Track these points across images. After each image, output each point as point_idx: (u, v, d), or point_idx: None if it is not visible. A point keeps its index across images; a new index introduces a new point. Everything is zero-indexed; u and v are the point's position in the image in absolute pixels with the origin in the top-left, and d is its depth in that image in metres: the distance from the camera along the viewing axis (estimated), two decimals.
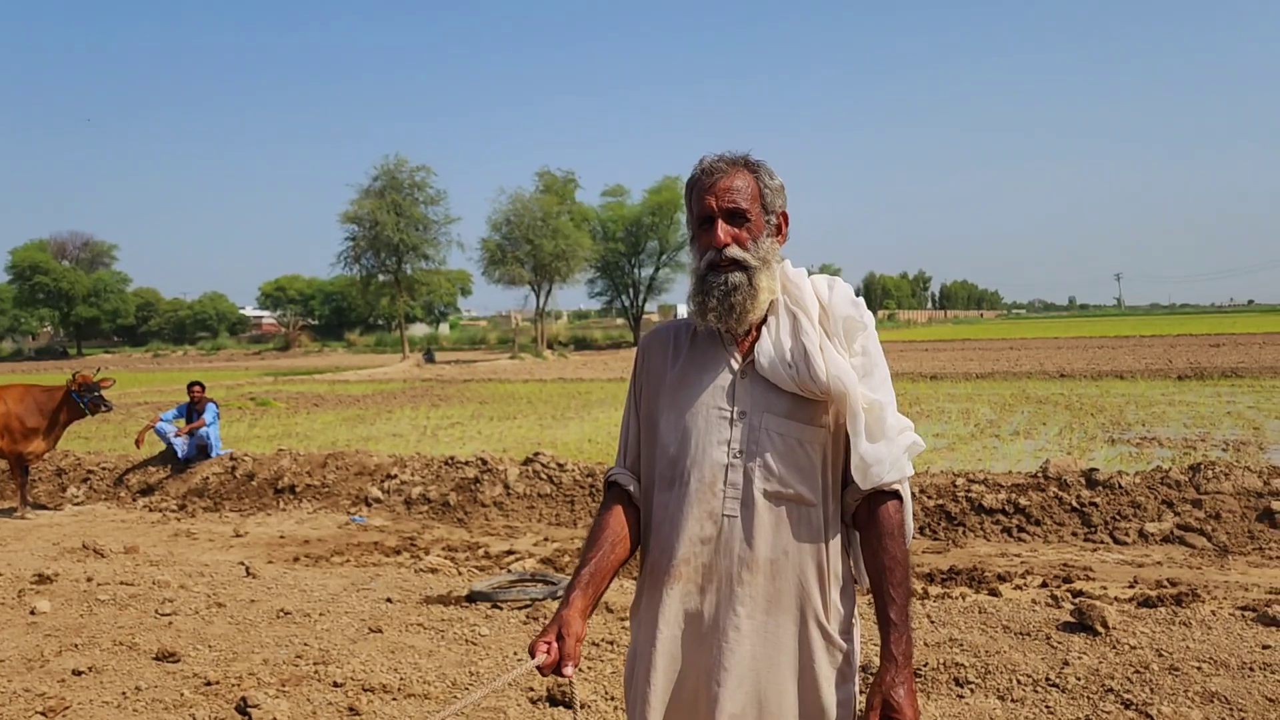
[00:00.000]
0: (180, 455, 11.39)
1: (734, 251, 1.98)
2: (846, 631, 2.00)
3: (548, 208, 52.81)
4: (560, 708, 4.29)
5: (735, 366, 2.03)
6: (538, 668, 1.92)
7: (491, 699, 4.37)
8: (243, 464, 11.04)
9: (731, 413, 1.99)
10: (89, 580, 6.68)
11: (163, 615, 5.74)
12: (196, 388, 11.80)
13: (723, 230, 1.99)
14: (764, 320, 2.04)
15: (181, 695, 4.47)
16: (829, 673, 1.96)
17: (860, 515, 2.01)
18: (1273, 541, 7.22)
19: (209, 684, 4.60)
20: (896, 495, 1.98)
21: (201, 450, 11.49)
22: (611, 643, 5.09)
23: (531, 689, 4.47)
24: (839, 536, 2.02)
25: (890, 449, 1.95)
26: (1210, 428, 13.80)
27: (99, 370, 11.35)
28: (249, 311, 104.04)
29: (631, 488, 2.10)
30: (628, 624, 5.40)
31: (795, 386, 1.96)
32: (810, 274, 2.11)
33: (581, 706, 4.27)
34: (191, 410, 11.64)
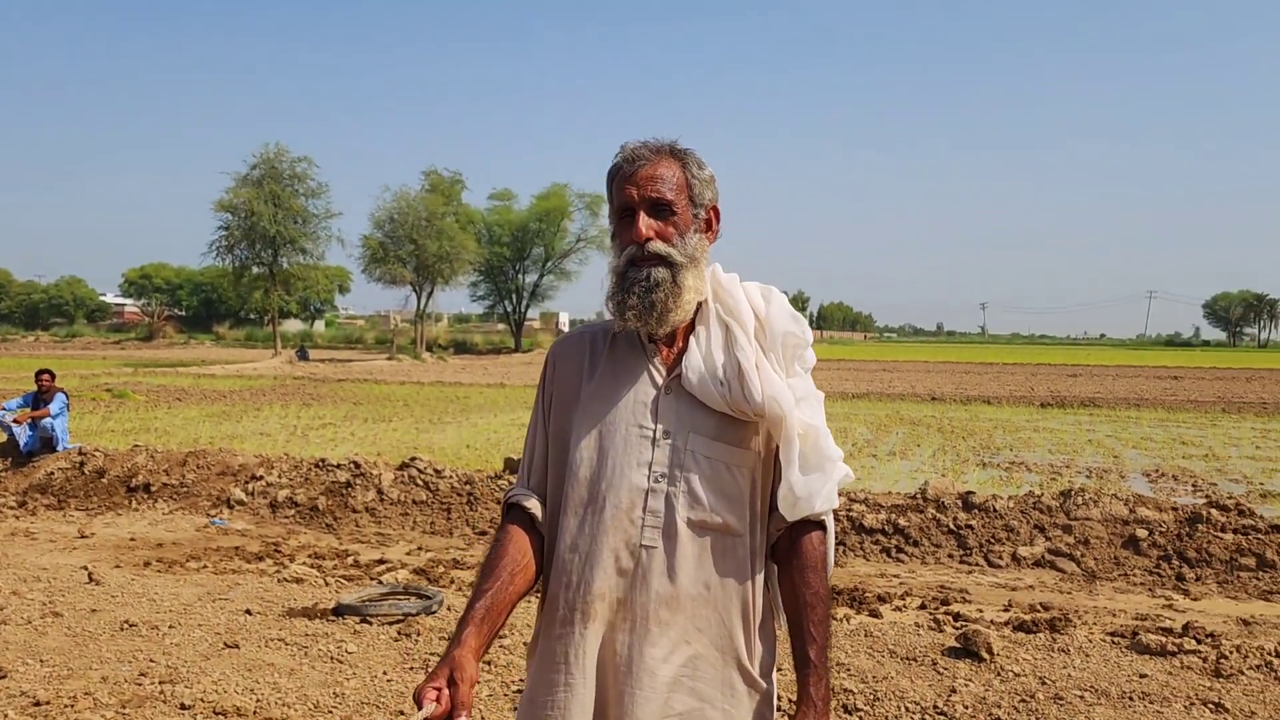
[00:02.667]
0: (22, 448, 10.55)
1: (656, 246, 1.76)
2: (767, 673, 1.82)
3: (433, 208, 51.90)
4: None
5: (659, 381, 1.81)
6: (429, 719, 1.66)
7: None
8: (93, 459, 10.29)
9: (654, 432, 1.77)
10: None
11: None
12: (45, 376, 10.97)
13: (644, 223, 1.76)
14: (691, 330, 1.84)
15: (5, 716, 4.01)
16: (748, 718, 1.78)
17: (781, 546, 1.82)
18: (1137, 568, 7.45)
19: (38, 704, 4.14)
20: (821, 525, 1.81)
21: (46, 443, 10.67)
22: (489, 663, 4.83)
23: (401, 713, 4.18)
24: (763, 570, 1.83)
25: (824, 480, 1.76)
26: (1073, 454, 14.34)
27: None
28: (110, 298, 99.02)
29: (536, 511, 1.85)
30: (509, 642, 5.15)
31: (726, 406, 1.76)
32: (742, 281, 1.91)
33: None
34: (38, 400, 10.81)
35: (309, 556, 7.69)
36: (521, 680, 4.55)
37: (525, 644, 5.11)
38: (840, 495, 8.21)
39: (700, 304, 1.84)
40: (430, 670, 1.68)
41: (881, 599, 6.59)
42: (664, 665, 1.73)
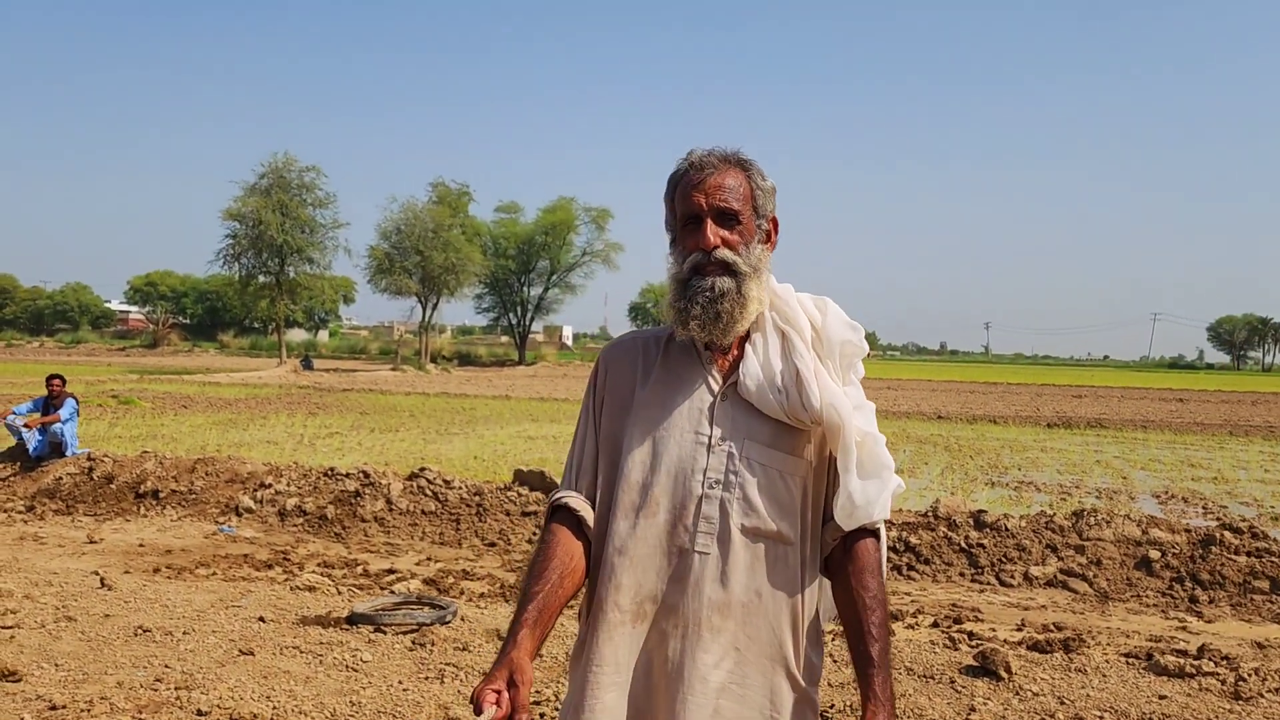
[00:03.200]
0: (31, 452, 10.56)
1: (724, 254, 1.76)
2: (814, 683, 1.81)
3: (440, 219, 52.02)
4: None
5: (715, 387, 1.81)
6: None
7: None
8: (101, 465, 10.29)
9: (710, 438, 1.78)
10: None
11: (3, 629, 5.18)
12: (56, 381, 10.98)
13: (712, 231, 1.77)
14: (747, 337, 1.84)
15: (22, 719, 4.00)
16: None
17: (835, 555, 1.81)
18: (1149, 589, 7.42)
19: (54, 708, 4.13)
20: (875, 534, 1.81)
21: (55, 448, 10.68)
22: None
23: None
24: (815, 580, 1.82)
25: (881, 488, 1.76)
26: (1082, 475, 14.31)
27: None
28: (115, 305, 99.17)
29: (583, 513, 1.84)
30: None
31: (783, 413, 1.76)
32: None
33: None
34: (49, 405, 10.82)
35: (318, 565, 7.67)
36: (558, 683, 4.53)
37: (567, 653, 5.10)
38: None
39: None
40: (486, 673, 1.67)
41: (894, 616, 6.56)
42: (714, 671, 1.73)
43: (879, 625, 1.74)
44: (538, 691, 4.54)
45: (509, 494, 9.35)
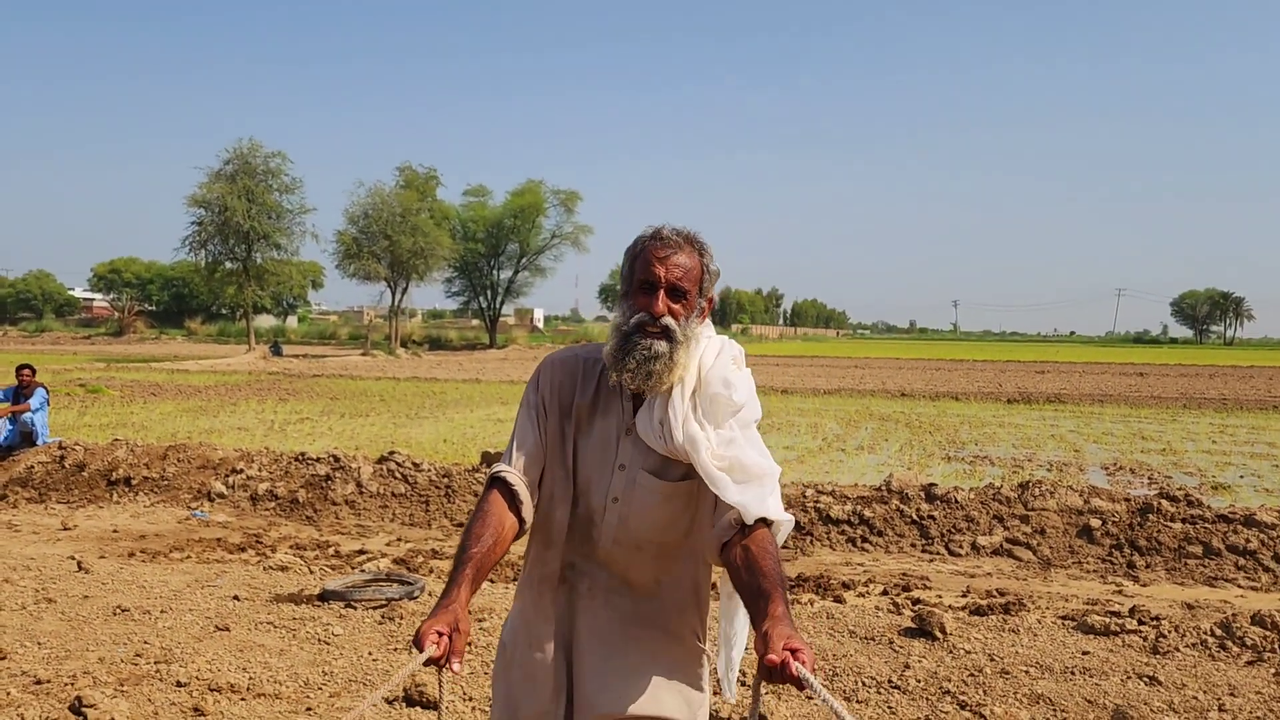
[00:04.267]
0: (2, 442, 10.66)
1: (668, 321, 2.06)
2: (703, 640, 2.24)
3: (408, 204, 51.86)
4: (417, 708, 4.25)
5: (625, 421, 2.14)
6: (429, 661, 1.89)
7: (346, 701, 4.29)
8: (73, 453, 10.42)
9: (614, 463, 2.13)
10: None
11: None
12: (26, 371, 11.07)
13: (663, 301, 2.07)
14: None
15: (8, 694, 4.21)
16: (695, 679, 2.17)
17: (733, 543, 2.04)
18: (1090, 556, 7.78)
19: (39, 683, 4.34)
20: (769, 524, 2.05)
21: (26, 438, 10.78)
22: (470, 644, 5.06)
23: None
24: (706, 570, 2.21)
25: (760, 490, 2.02)
26: (1036, 449, 14.74)
27: None
28: (79, 293, 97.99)
29: (518, 489, 2.12)
30: (484, 625, 5.39)
31: (664, 450, 2.08)
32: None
33: (436, 707, 4.24)
34: (18, 395, 10.91)
35: (291, 547, 7.89)
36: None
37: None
38: (808, 487, 8.50)
39: None
40: (428, 616, 1.93)
41: (846, 586, 6.87)
42: (624, 641, 2.13)
43: (773, 583, 1.94)
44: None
45: (477, 475, 9.58)
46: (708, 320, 2.21)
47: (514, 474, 2.13)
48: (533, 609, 2.19)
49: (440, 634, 1.88)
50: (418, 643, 1.89)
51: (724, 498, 2.03)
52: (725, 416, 2.11)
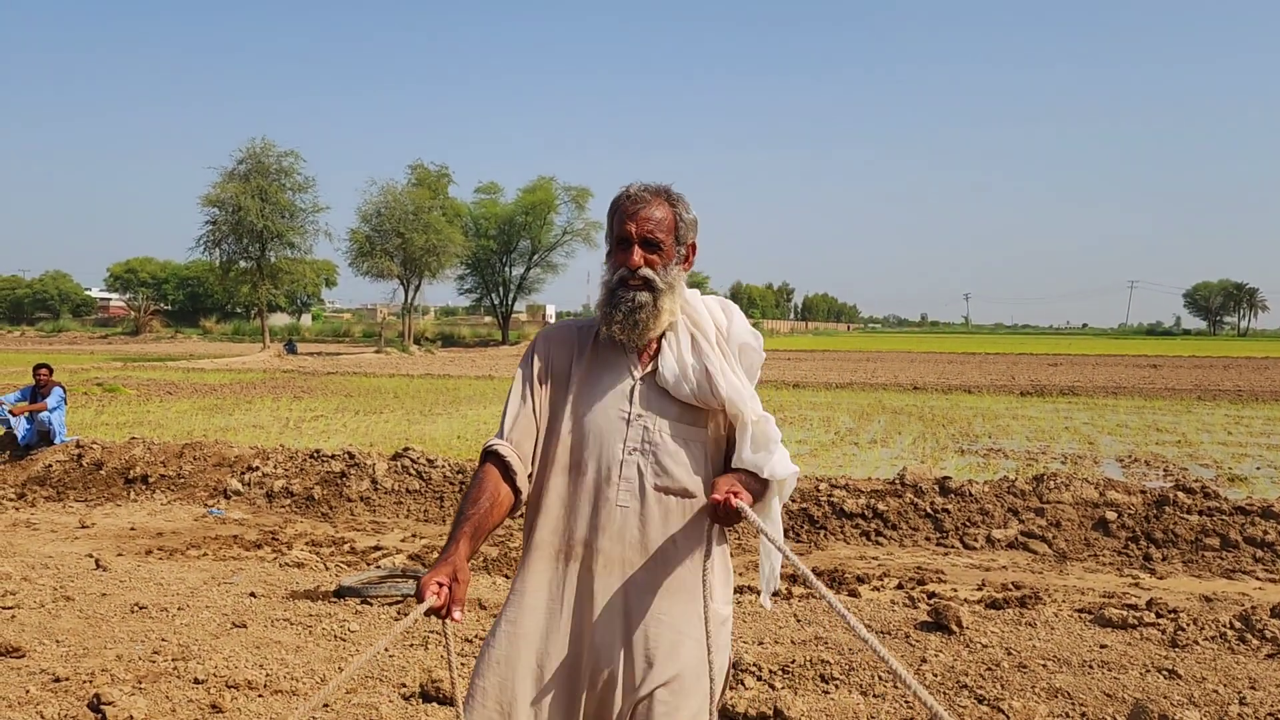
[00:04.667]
0: (20, 441, 10.73)
1: (645, 272, 2.18)
2: (727, 603, 2.25)
3: (420, 201, 51.91)
4: (434, 704, 4.26)
5: (636, 374, 2.22)
6: (430, 611, 1.95)
7: (364, 696, 4.31)
8: (90, 452, 10.48)
9: (629, 414, 2.18)
10: None
11: (4, 609, 5.41)
12: (44, 370, 11.14)
13: (638, 254, 2.18)
14: (664, 335, 2.23)
15: (27, 692, 4.24)
16: (701, 640, 2.16)
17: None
18: (1106, 549, 7.75)
19: (58, 680, 4.37)
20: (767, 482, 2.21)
21: (44, 436, 10.85)
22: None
23: (404, 685, 4.42)
24: (718, 526, 2.21)
25: (768, 456, 2.18)
26: (1050, 441, 14.67)
27: None
28: (95, 293, 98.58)
29: (511, 460, 2.18)
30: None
31: (693, 398, 2.17)
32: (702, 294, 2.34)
33: (454, 702, 4.25)
34: (36, 394, 10.99)
35: (306, 544, 7.92)
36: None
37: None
38: (821, 481, 8.51)
39: None
40: (431, 566, 2.00)
41: (860, 580, 6.86)
42: (636, 603, 2.12)
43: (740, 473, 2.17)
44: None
45: None
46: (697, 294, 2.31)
47: (505, 446, 2.20)
48: (537, 586, 2.17)
49: (440, 584, 1.98)
50: (418, 594, 1.95)
51: (738, 450, 2.18)
52: (756, 371, 2.27)
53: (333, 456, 9.93)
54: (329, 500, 9.31)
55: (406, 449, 10.05)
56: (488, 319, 76.72)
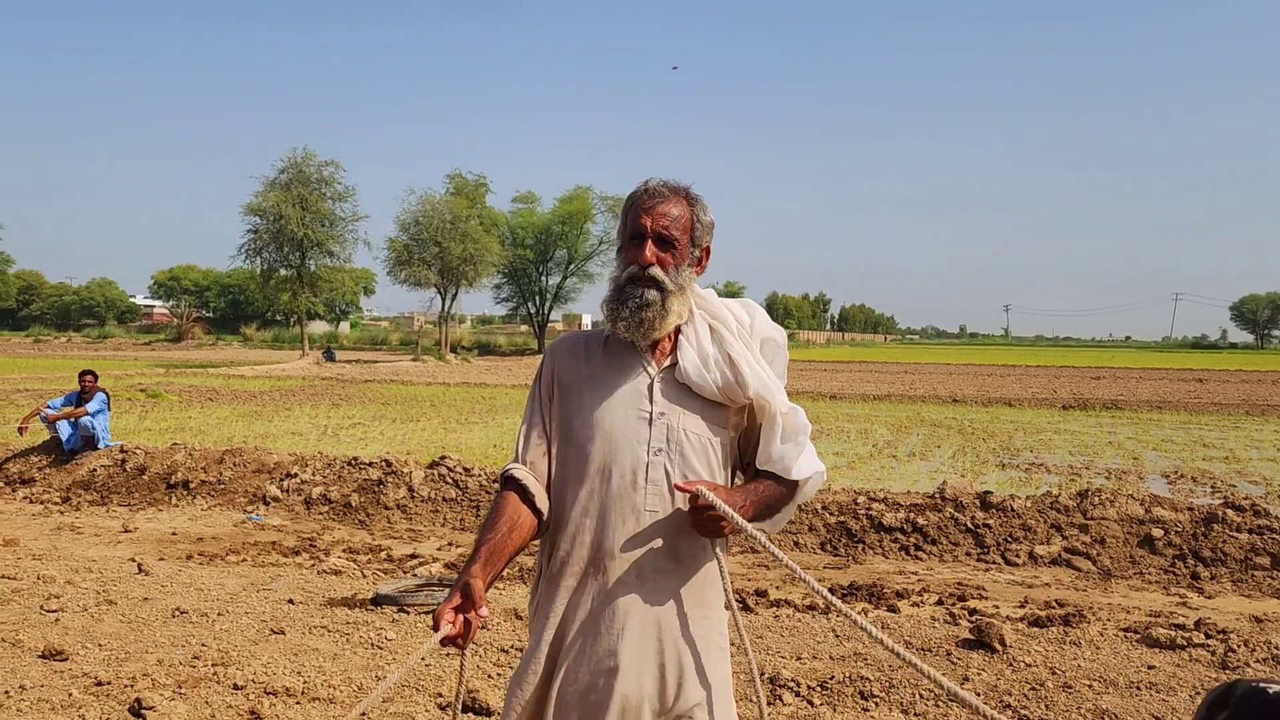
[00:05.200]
0: (65, 446, 10.90)
1: (655, 271, 2.10)
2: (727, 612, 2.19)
3: (457, 210, 52.26)
4: (470, 714, 4.24)
5: (652, 371, 2.14)
6: (445, 640, 1.92)
7: (400, 706, 4.30)
8: (133, 457, 10.62)
9: (650, 413, 2.09)
10: None
11: (48, 612, 5.49)
12: (89, 377, 11.31)
13: (650, 250, 2.11)
14: (679, 330, 2.17)
15: (70, 695, 4.28)
16: (724, 649, 2.13)
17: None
18: (1152, 567, 7.59)
19: (100, 684, 4.41)
20: (794, 484, 2.15)
21: (88, 441, 11.01)
22: (521, 649, 5.06)
23: (440, 694, 4.42)
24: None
25: (797, 450, 2.12)
26: (1093, 456, 14.43)
27: None
28: (140, 300, 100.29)
29: (528, 483, 2.12)
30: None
31: (717, 392, 2.09)
32: (719, 294, 2.27)
33: (491, 714, 4.24)
34: (81, 400, 11.15)
35: (344, 551, 7.95)
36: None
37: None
38: (860, 494, 8.42)
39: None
40: (446, 595, 1.97)
41: (900, 595, 6.77)
42: (667, 611, 2.05)
43: (759, 490, 2.11)
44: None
45: None
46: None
47: (520, 469, 2.15)
48: (563, 603, 2.08)
49: (455, 611, 1.94)
50: (434, 623, 1.93)
51: (764, 445, 2.12)
52: (782, 367, 2.20)
53: (370, 464, 9.98)
54: (366, 508, 9.35)
55: (443, 457, 10.08)
56: (524, 328, 77.07)
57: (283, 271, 47.60)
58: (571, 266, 62.88)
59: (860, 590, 6.84)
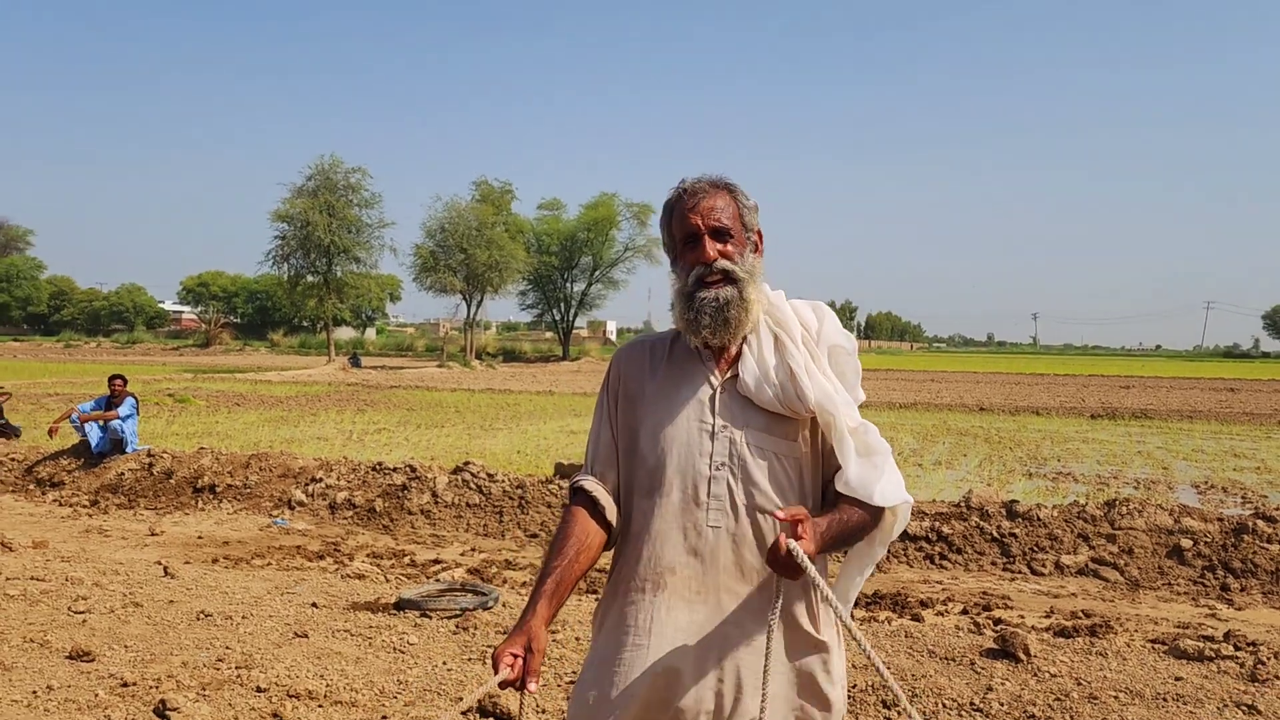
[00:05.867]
0: (94, 449, 11.03)
1: (723, 264, 2.01)
2: (825, 629, 2.03)
3: (483, 217, 52.55)
4: (490, 719, 4.25)
5: (715, 382, 2.05)
6: (502, 683, 1.88)
7: (421, 709, 4.31)
8: (161, 461, 10.73)
9: (713, 426, 2.01)
10: None
11: (76, 613, 5.55)
12: (118, 381, 11.44)
13: (710, 246, 2.02)
14: (744, 339, 2.07)
15: (96, 696, 4.32)
16: (819, 673, 2.00)
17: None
18: (1181, 577, 7.49)
19: (125, 685, 4.45)
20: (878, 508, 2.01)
21: (116, 445, 11.13)
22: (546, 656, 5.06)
23: (461, 700, 4.42)
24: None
25: (876, 471, 1.97)
26: (1122, 466, 14.28)
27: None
28: (168, 306, 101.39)
29: (598, 495, 2.07)
30: (557, 637, 5.38)
31: (778, 405, 1.99)
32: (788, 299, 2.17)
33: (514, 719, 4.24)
34: (110, 404, 11.28)
35: (368, 556, 8.00)
36: (574, 672, 4.77)
37: (577, 638, 5.35)
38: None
39: None
40: (505, 633, 1.91)
41: (924, 604, 6.72)
42: (734, 630, 1.95)
43: (841, 519, 1.95)
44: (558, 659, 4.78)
45: (550, 487, 9.61)
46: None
47: (591, 481, 2.10)
48: (625, 620, 2.01)
49: (515, 655, 1.89)
50: (494, 665, 1.90)
51: (845, 465, 1.97)
52: (851, 377, 2.07)
53: (394, 469, 10.03)
54: (390, 513, 9.40)
55: (467, 463, 10.12)
56: (549, 334, 77.30)
57: (309, 278, 48.04)
58: (597, 273, 63.06)
59: (885, 599, 6.80)
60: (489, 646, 5.18)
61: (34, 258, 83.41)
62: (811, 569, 1.79)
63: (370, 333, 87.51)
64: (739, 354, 2.06)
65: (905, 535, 8.24)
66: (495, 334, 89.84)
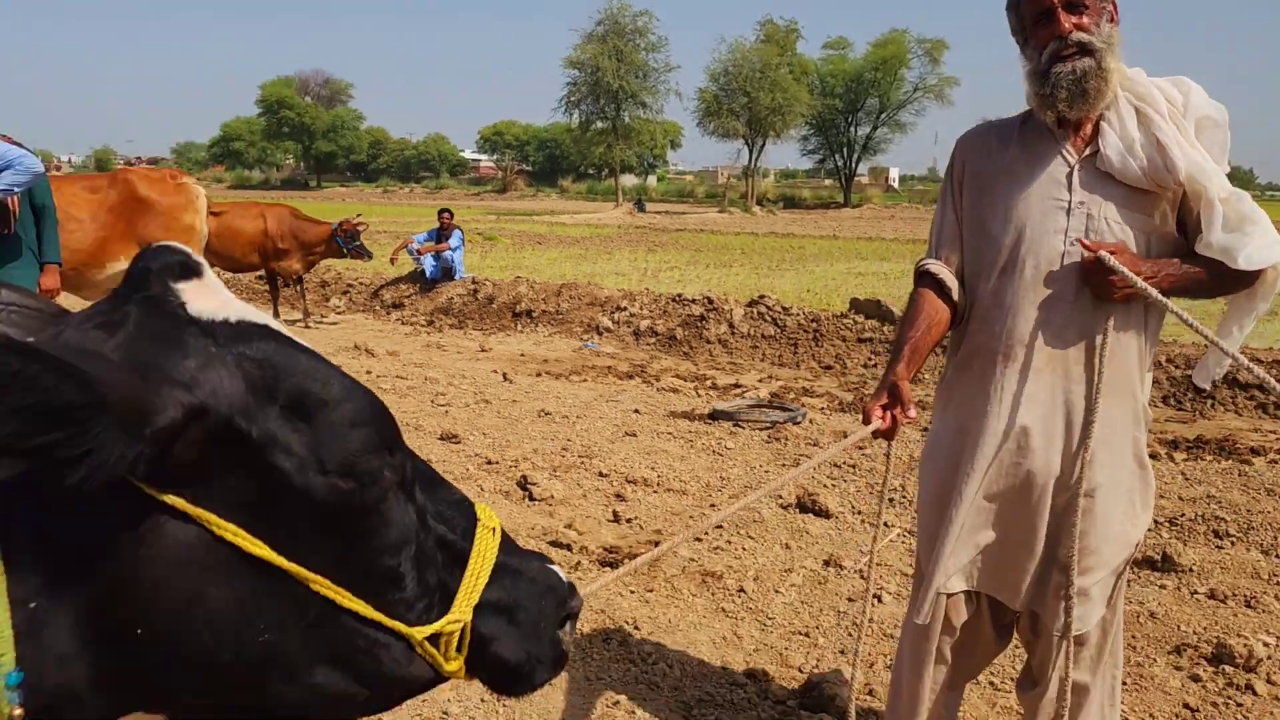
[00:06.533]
0: (428, 276, 12.25)
1: (1079, 36, 1.96)
2: (1148, 420, 2.12)
3: (767, 59, 51.43)
4: (810, 514, 4.55)
5: (1071, 159, 2.04)
6: (876, 433, 2.07)
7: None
8: (483, 288, 11.77)
9: (1069, 202, 2.02)
10: (368, 373, 7.44)
11: (438, 406, 6.38)
12: (446, 215, 12.55)
13: (1064, 19, 1.97)
14: (1101, 115, 2.03)
15: (468, 470, 5.03)
16: (1134, 439, 2.09)
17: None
18: None
19: (490, 463, 5.14)
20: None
21: (446, 273, 12.30)
22: (854, 466, 5.30)
23: (780, 496, 4.75)
24: (1156, 324, 2.08)
25: (1243, 239, 1.91)
26: None
27: (358, 216, 11.84)
28: (468, 154, 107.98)
29: (943, 276, 2.15)
30: (868, 452, 5.58)
31: (1144, 179, 1.96)
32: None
33: (830, 516, 4.53)
34: (440, 235, 12.43)
35: (673, 377, 8.51)
36: None
37: None
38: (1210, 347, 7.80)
39: None
40: (873, 392, 2.10)
41: (1255, 451, 6.31)
42: (1080, 400, 2.03)
43: (1186, 269, 1.98)
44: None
45: (845, 321, 9.71)
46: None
47: (936, 263, 2.18)
48: (975, 389, 2.10)
49: (885, 408, 2.06)
50: (865, 417, 2.09)
51: (1204, 235, 1.94)
52: (1219, 152, 2.00)
53: (693, 301, 10.46)
54: (689, 341, 9.87)
55: (761, 296, 10.37)
56: (828, 181, 75.69)
57: (599, 123, 49.40)
58: (883, 116, 60.45)
59: (1209, 444, 6.45)
60: (800, 455, 5.49)
61: (355, 109, 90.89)
62: (1123, 269, 1.86)
63: (651, 180, 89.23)
64: (1096, 129, 2.03)
65: (1234, 383, 7.70)
66: (774, 181, 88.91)
